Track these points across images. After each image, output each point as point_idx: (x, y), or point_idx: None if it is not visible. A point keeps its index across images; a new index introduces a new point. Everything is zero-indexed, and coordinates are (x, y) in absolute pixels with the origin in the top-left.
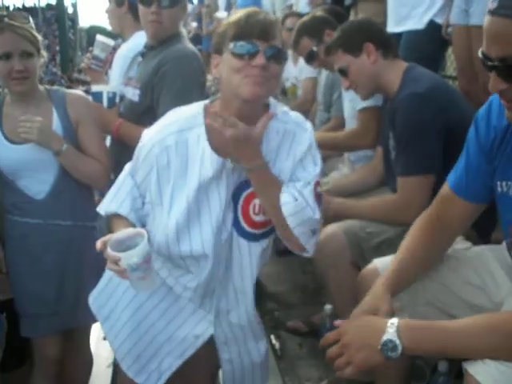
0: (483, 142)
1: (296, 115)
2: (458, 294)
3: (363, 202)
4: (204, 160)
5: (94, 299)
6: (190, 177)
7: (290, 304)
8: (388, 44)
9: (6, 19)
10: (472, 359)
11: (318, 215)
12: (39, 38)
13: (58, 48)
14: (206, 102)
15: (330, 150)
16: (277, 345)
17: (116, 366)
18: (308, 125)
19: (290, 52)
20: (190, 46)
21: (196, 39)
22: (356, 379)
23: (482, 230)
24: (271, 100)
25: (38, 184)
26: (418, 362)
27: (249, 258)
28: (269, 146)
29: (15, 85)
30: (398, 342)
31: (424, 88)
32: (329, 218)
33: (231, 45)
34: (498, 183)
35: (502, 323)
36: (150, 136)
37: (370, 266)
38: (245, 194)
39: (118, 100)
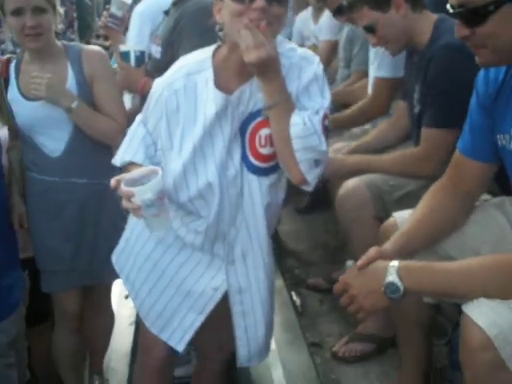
0: (482, 98)
1: (304, 50)
2: (467, 243)
3: (380, 156)
4: (209, 99)
5: (117, 258)
6: (198, 119)
7: (310, 261)
8: None
9: None
10: (469, 300)
11: (324, 146)
12: None
13: (75, 15)
14: (214, 46)
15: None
16: (297, 301)
17: (138, 325)
18: (316, 58)
19: (310, 9)
20: None
21: None
22: (376, 334)
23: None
24: (278, 37)
25: (54, 141)
26: (440, 319)
27: (260, 194)
28: None
29: (29, 41)
30: (399, 283)
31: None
32: (344, 175)
33: None
34: (498, 137)
35: (498, 261)
36: (159, 82)
37: (390, 220)
38: (251, 127)
39: (146, 59)
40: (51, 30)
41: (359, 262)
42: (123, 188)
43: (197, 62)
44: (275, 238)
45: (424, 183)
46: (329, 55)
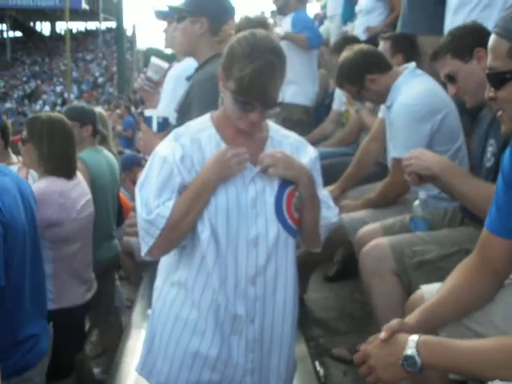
0: (507, 176)
1: (296, 136)
2: (493, 321)
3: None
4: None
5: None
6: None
7: (336, 331)
8: None
9: None
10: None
11: (337, 216)
12: None
13: (115, 69)
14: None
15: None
16: (321, 372)
17: None
18: (309, 145)
19: None
20: None
21: None
22: None
23: None
24: (271, 125)
25: None
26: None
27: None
28: None
29: None
30: (417, 357)
31: None
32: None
33: (232, 92)
34: None
35: None
36: (160, 152)
37: (417, 293)
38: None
39: (168, 125)
40: None
41: (382, 335)
42: None
43: (196, 125)
44: (301, 306)
45: (443, 253)
46: (360, 123)
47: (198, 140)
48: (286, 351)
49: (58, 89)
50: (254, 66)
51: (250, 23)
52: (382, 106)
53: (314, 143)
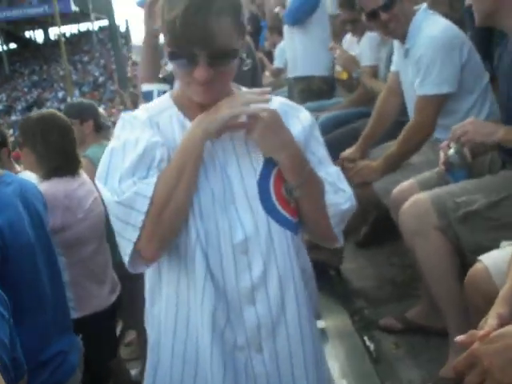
0: None
1: (283, 99)
2: None
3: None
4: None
5: None
6: None
7: (379, 300)
8: None
9: None
10: None
11: (352, 199)
12: None
13: (113, 66)
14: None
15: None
16: (371, 346)
17: None
18: (302, 109)
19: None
20: None
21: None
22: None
23: None
24: (235, 89)
25: None
26: None
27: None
28: None
29: None
30: None
31: None
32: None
33: (168, 50)
34: None
35: None
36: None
37: (479, 267)
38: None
39: None
40: None
41: (481, 333)
42: None
43: (155, 106)
44: (339, 278)
45: (490, 202)
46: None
47: (156, 124)
48: (312, 375)
49: (60, 94)
50: (186, 1)
51: None
52: (395, 58)
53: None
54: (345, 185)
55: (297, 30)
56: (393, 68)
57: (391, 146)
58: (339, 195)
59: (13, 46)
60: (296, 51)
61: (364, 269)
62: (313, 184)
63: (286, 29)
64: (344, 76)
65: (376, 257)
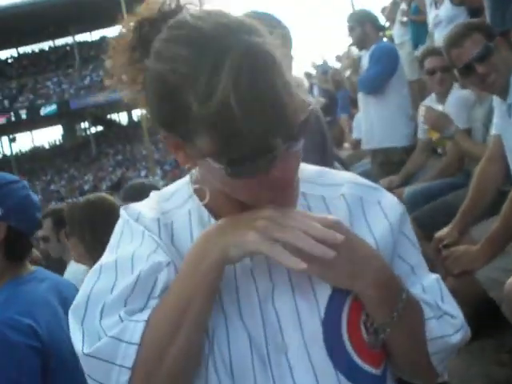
0: None
1: (352, 175)
2: None
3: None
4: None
5: None
6: None
7: None
8: None
9: None
10: None
11: (466, 332)
12: None
13: None
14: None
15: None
16: None
17: None
18: (382, 189)
19: (433, 95)
20: None
21: None
22: None
23: None
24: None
25: None
26: None
27: None
28: None
29: None
30: None
31: None
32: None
33: (213, 157)
34: None
35: None
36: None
37: None
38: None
39: None
40: None
41: None
42: None
43: (172, 193)
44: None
45: None
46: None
47: (169, 226)
48: None
49: (143, 173)
50: (232, 72)
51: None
52: (495, 118)
53: (409, 180)
54: (452, 305)
55: (372, 98)
56: (494, 131)
57: (495, 222)
58: (445, 322)
59: (99, 128)
60: (372, 120)
61: (469, 367)
62: (410, 315)
63: (360, 96)
64: (434, 135)
65: (481, 352)
